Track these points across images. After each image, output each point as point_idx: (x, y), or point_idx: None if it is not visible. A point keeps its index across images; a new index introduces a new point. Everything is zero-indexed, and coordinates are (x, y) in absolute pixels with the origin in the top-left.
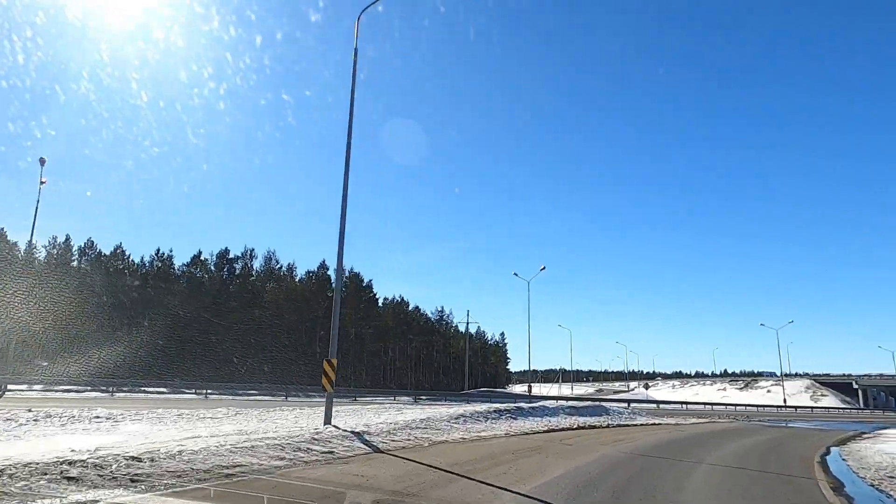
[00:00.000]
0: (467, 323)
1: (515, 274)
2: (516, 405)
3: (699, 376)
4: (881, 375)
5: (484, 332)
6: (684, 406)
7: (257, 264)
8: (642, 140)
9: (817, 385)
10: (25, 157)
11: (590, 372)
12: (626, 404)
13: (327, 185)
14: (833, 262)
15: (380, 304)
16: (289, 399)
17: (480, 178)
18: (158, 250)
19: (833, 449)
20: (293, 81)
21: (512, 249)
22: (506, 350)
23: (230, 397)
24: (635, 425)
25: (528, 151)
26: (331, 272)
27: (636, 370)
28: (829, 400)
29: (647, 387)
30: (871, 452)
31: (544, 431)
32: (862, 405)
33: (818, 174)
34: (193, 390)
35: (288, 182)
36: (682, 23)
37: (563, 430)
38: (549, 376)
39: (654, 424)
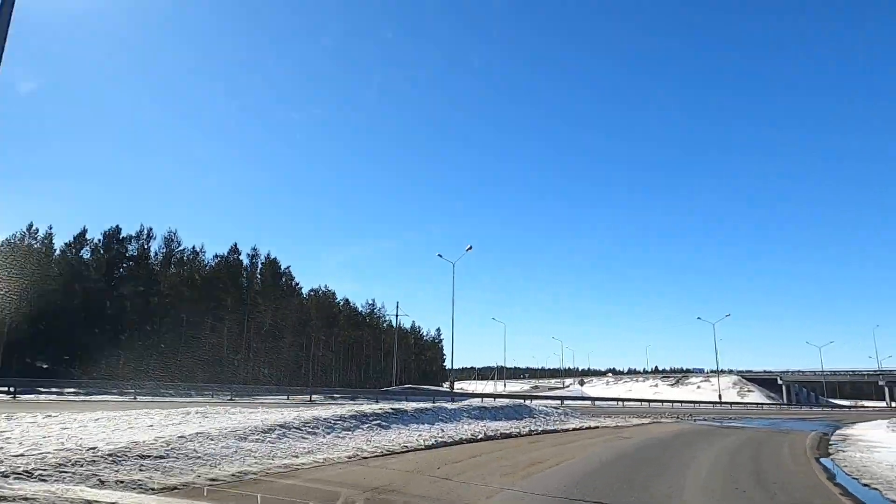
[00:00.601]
0: (396, 315)
1: (439, 255)
2: (401, 407)
3: (632, 373)
4: (802, 372)
5: (419, 327)
6: (620, 403)
7: (155, 246)
8: (574, 136)
9: (744, 381)
10: None
11: (527, 369)
12: (559, 402)
13: (249, 158)
14: (763, 259)
15: (304, 296)
16: (157, 398)
17: (415, 175)
18: (31, 225)
19: (825, 461)
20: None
21: (450, 248)
22: (442, 346)
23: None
24: (566, 430)
25: (463, 152)
26: (244, 256)
27: (572, 367)
28: (756, 395)
29: (581, 383)
30: (870, 462)
31: (424, 448)
32: (785, 400)
33: (751, 172)
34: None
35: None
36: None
37: (458, 443)
38: (486, 374)
39: (590, 428)
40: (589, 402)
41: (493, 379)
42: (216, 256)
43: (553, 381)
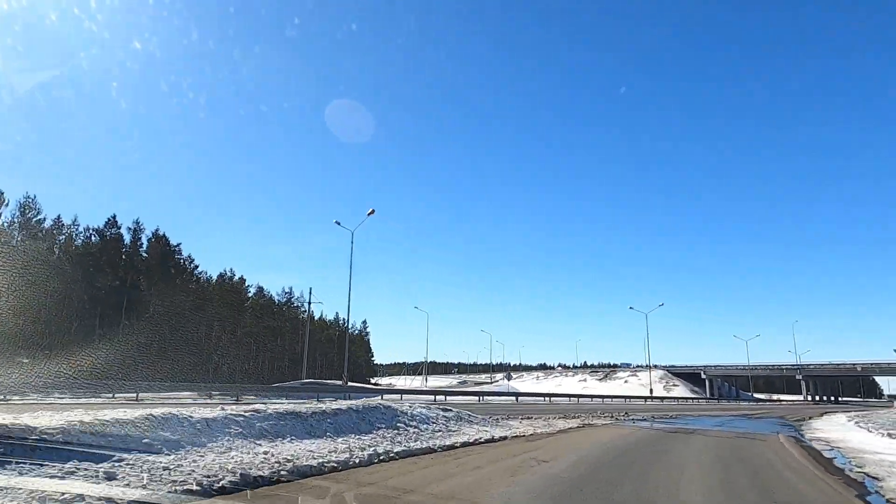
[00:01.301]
0: (309, 302)
1: (337, 222)
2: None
3: (563, 368)
4: (724, 366)
5: (343, 319)
6: (547, 399)
7: (7, 214)
8: (502, 133)
9: (670, 375)
10: None
11: (459, 364)
12: (477, 398)
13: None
14: (690, 255)
15: (207, 280)
16: None
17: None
18: None
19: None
20: None
21: (378, 243)
22: (368, 339)
23: None
24: (449, 448)
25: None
26: (124, 230)
27: (504, 362)
28: (681, 390)
29: (509, 377)
30: None
31: None
32: (708, 394)
33: (690, 163)
34: None
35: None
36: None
37: None
38: (418, 368)
39: (491, 441)
40: (513, 399)
41: (420, 374)
42: (88, 230)
43: (483, 376)
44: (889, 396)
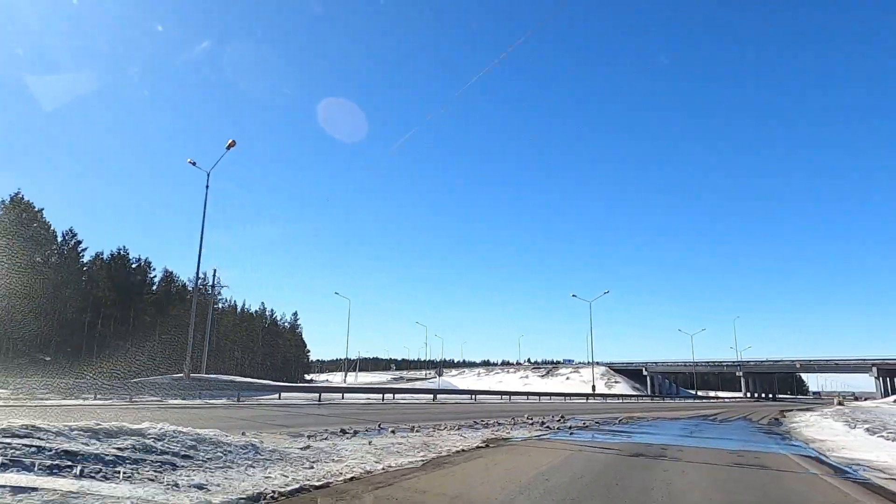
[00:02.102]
0: (213, 286)
1: (192, 162)
2: None
3: (505, 364)
4: (666, 363)
5: (272, 311)
6: (472, 397)
7: None
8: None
9: (612, 372)
10: None
11: (402, 360)
12: (380, 396)
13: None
14: (632, 249)
15: (87, 260)
16: None
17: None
18: None
19: None
20: None
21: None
22: (300, 333)
23: None
24: None
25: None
26: None
27: (448, 359)
28: (622, 387)
29: (440, 374)
30: None
31: None
32: (649, 391)
33: (618, 159)
34: None
35: None
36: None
37: None
38: (364, 365)
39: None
40: (430, 397)
41: (355, 370)
42: None
43: (422, 372)
44: (814, 393)
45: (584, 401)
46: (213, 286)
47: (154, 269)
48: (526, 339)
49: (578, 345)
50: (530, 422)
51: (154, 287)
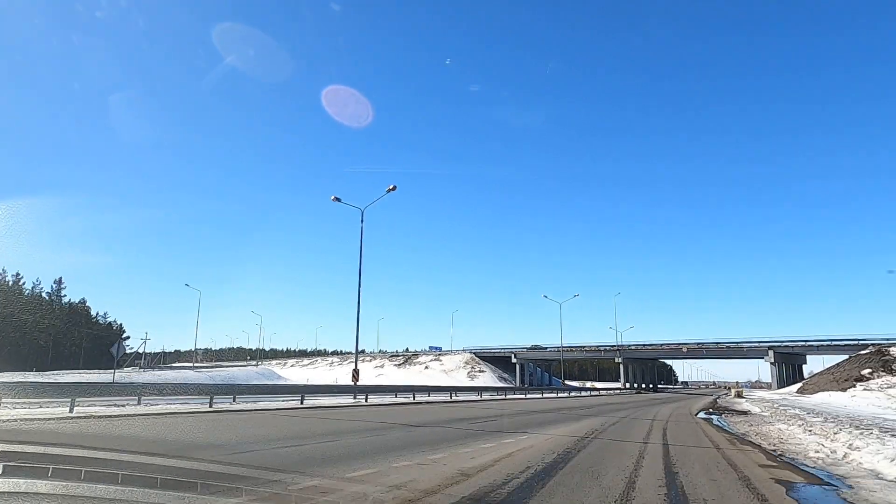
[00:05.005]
0: None
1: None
2: None
3: (361, 354)
4: (539, 347)
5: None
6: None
7: None
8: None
9: (477, 360)
10: None
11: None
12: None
13: None
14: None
15: None
16: None
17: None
18: None
19: None
20: None
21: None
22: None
23: None
24: None
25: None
26: None
27: (295, 349)
28: (487, 376)
29: (257, 364)
30: None
31: None
32: (519, 381)
33: (564, 147)
34: None
35: None
36: None
37: None
38: (208, 355)
39: None
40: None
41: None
42: None
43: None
44: (683, 383)
45: (426, 398)
46: None
47: None
48: (385, 328)
49: (444, 331)
50: None
51: None
